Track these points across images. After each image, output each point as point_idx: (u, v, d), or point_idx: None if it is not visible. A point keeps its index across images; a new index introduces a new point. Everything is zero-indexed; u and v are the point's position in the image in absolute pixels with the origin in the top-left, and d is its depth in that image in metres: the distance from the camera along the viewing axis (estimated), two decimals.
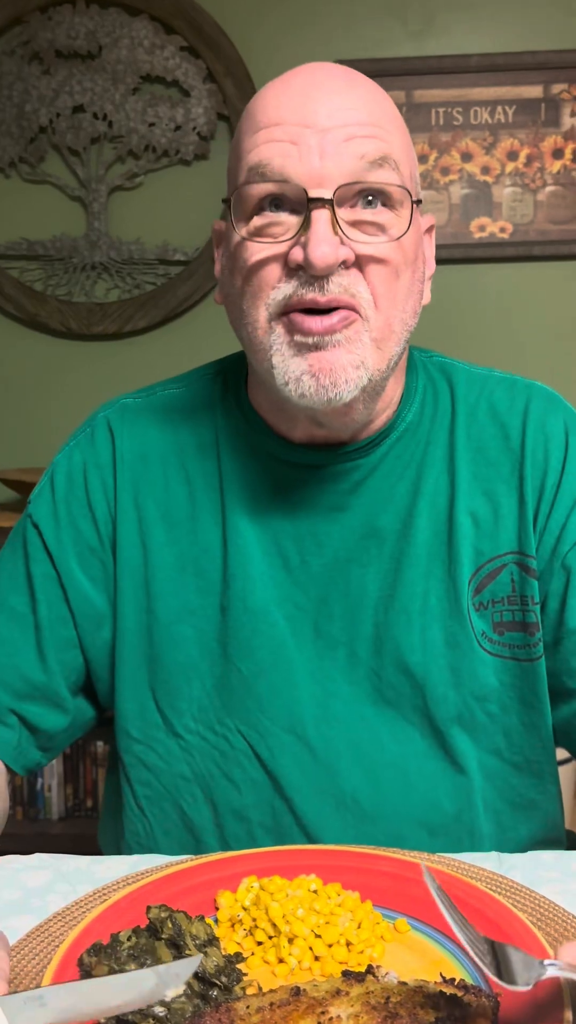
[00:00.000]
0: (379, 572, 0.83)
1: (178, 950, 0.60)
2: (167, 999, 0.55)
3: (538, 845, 0.86)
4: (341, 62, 0.83)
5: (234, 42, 2.19)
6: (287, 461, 0.83)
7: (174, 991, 0.55)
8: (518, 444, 0.83)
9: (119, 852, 0.92)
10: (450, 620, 0.82)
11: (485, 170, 2.28)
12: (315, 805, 0.83)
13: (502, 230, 2.29)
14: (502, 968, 0.52)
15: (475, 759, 0.84)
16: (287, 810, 0.84)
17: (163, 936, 0.60)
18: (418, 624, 0.82)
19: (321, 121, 0.73)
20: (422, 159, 2.28)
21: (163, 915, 0.62)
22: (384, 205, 0.75)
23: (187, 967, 0.55)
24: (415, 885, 0.70)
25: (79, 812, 2.21)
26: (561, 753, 2.11)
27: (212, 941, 0.62)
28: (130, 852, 0.89)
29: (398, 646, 0.82)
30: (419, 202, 0.77)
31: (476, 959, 0.52)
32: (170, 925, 0.61)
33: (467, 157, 2.28)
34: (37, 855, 0.80)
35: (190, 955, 0.59)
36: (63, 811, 2.20)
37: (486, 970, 0.52)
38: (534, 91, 2.27)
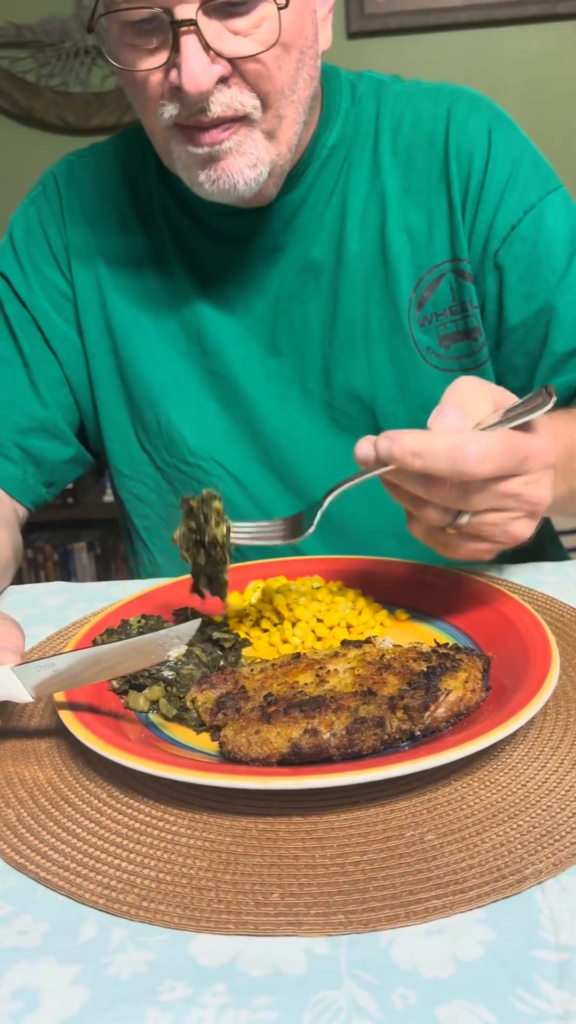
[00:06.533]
0: (320, 305, 0.85)
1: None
2: (171, 658, 0.58)
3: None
4: None
5: None
6: (219, 212, 0.83)
7: (177, 651, 0.58)
8: (442, 149, 0.83)
9: None
10: (393, 338, 0.84)
11: None
12: None
13: None
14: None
15: None
16: None
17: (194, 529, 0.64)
18: (362, 348, 0.85)
19: None
20: None
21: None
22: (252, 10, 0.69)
23: (188, 630, 0.58)
24: (416, 585, 0.73)
25: None
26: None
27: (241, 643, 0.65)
28: None
29: (346, 373, 0.85)
30: None
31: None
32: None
33: None
34: (56, 583, 0.84)
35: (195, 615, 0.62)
36: None
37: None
38: None
